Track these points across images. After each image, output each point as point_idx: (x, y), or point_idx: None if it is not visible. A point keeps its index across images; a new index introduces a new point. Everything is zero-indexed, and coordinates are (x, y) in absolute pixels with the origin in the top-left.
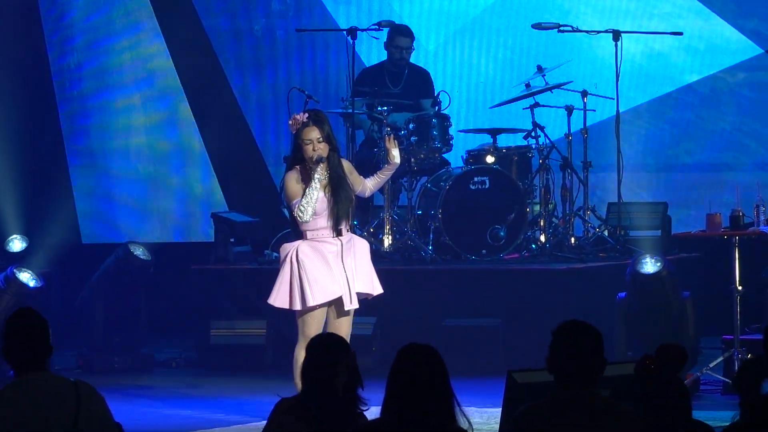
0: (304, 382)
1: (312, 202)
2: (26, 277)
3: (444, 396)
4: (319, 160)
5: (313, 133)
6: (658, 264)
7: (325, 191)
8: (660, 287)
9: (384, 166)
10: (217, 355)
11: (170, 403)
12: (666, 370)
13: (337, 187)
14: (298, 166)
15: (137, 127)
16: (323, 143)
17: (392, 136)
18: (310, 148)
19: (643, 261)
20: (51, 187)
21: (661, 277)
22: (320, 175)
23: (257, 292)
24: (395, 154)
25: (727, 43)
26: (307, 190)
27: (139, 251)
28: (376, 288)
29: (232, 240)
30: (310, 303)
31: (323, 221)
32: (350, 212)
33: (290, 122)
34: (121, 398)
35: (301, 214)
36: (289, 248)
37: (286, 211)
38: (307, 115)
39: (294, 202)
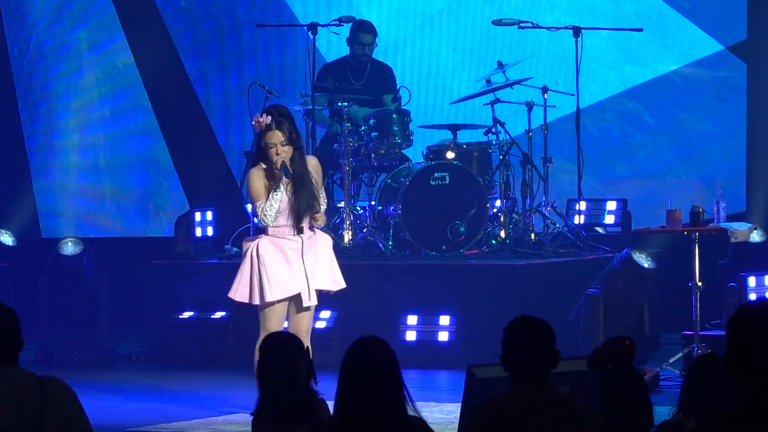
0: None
1: (275, 207)
2: None
3: (396, 389)
4: (284, 173)
5: (276, 137)
6: (654, 263)
7: (286, 189)
8: (639, 283)
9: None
10: (177, 349)
11: (131, 397)
12: (616, 361)
13: (299, 185)
14: (262, 164)
15: (97, 124)
16: (287, 146)
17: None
18: (273, 151)
19: (639, 254)
20: (11, 182)
21: (647, 275)
22: (284, 181)
23: (218, 287)
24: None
25: (687, 40)
26: (271, 194)
27: (67, 247)
28: (337, 283)
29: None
30: (269, 299)
31: (284, 219)
32: (313, 208)
33: (253, 123)
34: (81, 393)
35: (264, 218)
36: (250, 243)
37: (248, 207)
38: (270, 117)
39: (258, 203)
